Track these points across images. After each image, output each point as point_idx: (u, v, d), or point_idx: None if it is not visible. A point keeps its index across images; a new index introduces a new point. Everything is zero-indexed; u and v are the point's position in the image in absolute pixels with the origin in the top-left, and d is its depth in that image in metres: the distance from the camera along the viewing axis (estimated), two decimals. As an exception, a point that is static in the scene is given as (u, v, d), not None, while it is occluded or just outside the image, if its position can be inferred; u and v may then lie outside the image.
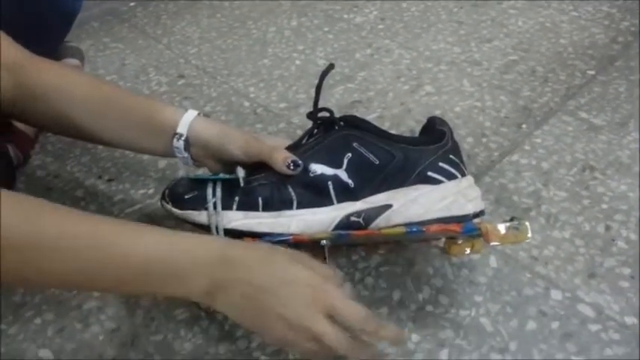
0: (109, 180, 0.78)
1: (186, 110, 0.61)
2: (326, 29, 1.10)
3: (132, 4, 1.22)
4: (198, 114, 0.61)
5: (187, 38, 1.10)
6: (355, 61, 1.00)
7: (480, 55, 1.00)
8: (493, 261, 0.64)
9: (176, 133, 0.60)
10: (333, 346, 0.46)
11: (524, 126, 0.84)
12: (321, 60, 1.01)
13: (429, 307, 0.60)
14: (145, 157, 0.81)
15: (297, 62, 1.01)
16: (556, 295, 0.61)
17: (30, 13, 0.73)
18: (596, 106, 0.87)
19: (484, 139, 0.82)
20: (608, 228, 0.68)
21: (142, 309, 0.61)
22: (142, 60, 1.03)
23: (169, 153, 0.61)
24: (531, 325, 0.58)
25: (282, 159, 0.56)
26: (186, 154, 0.60)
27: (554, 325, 0.58)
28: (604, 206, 0.71)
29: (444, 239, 0.62)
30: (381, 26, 1.10)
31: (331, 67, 0.59)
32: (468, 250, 0.59)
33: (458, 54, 1.01)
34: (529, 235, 0.53)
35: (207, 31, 1.11)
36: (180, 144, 0.60)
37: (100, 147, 0.83)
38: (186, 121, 0.60)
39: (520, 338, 0.57)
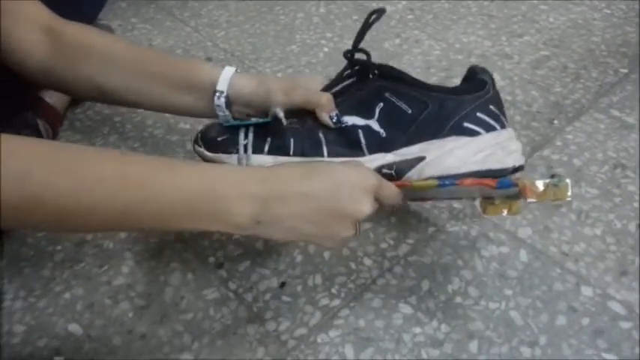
0: (138, 159, 0.78)
1: (223, 67, 0.60)
2: (355, 17, 1.09)
3: (160, -15, 1.22)
4: (236, 70, 0.60)
5: (215, 21, 1.09)
6: (384, 51, 0.99)
7: (510, 49, 0.99)
8: (523, 255, 0.64)
9: (216, 91, 0.59)
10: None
11: (555, 122, 0.83)
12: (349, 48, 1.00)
13: (458, 299, 0.60)
14: (174, 137, 0.81)
15: (325, 49, 1.00)
16: (586, 291, 0.60)
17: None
18: (628, 105, 0.86)
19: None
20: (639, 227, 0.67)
21: (171, 287, 0.61)
22: (170, 41, 1.03)
23: (210, 111, 0.60)
24: (561, 320, 0.58)
25: (327, 110, 0.56)
26: (227, 112, 0.60)
27: (585, 321, 0.57)
28: (635, 205, 0.70)
29: (478, 200, 0.59)
30: (410, 17, 1.09)
31: (382, 11, 0.56)
32: (505, 212, 0.55)
33: (488, 47, 1.00)
34: (569, 193, 0.49)
35: (235, 15, 1.11)
36: (222, 101, 0.59)
37: (129, 126, 0.84)
38: (226, 77, 0.59)
39: (550, 333, 0.56)
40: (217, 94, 0.59)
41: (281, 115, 0.56)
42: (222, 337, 0.57)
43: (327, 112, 0.56)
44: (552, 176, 0.50)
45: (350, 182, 0.47)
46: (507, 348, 0.55)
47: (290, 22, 1.09)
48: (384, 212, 0.60)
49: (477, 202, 0.56)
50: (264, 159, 0.56)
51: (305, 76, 0.60)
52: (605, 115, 0.84)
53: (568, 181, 0.49)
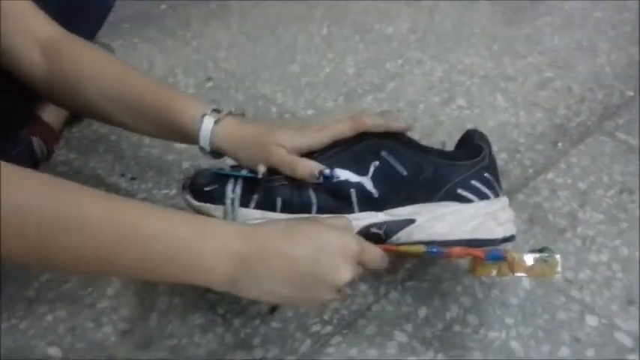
0: (132, 179, 0.76)
1: (202, 118, 0.57)
2: (357, 39, 1.08)
3: (163, 6, 1.22)
4: (216, 121, 0.57)
5: (216, 42, 1.09)
6: (385, 71, 0.98)
7: (514, 70, 0.98)
8: (526, 282, 0.61)
9: (201, 147, 0.58)
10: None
11: (560, 144, 0.81)
12: (350, 68, 1.00)
13: (457, 327, 0.57)
14: (170, 157, 0.80)
15: (327, 70, 0.99)
16: (591, 320, 0.57)
17: (65, 5, 0.72)
18: (634, 128, 0.84)
19: (518, 155, 0.79)
20: (647, 254, 0.64)
21: (157, 312, 0.59)
22: (171, 61, 1.03)
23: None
24: (564, 351, 0.55)
25: (308, 172, 0.54)
26: (217, 159, 0.60)
27: (589, 352, 0.54)
28: (644, 231, 0.67)
29: (469, 259, 0.58)
30: (412, 37, 1.08)
31: None
32: (494, 273, 0.54)
33: (491, 68, 0.98)
34: (559, 269, 0.48)
35: (237, 36, 1.11)
36: (208, 155, 0.59)
37: (125, 145, 0.82)
38: (205, 135, 0.57)
39: (553, 365, 0.54)
40: (202, 149, 0.58)
41: (263, 170, 0.55)
42: (208, 364, 0.54)
43: (309, 174, 0.54)
44: (542, 250, 0.49)
45: (331, 248, 0.46)
46: (507, 380, 0.52)
47: (291, 43, 1.08)
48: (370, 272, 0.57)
49: (468, 260, 0.55)
50: (252, 213, 0.55)
51: (282, 129, 0.57)
52: (610, 137, 0.82)
53: (558, 257, 0.49)
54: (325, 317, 0.58)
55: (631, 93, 0.92)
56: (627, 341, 0.55)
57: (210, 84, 0.96)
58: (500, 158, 0.78)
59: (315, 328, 0.57)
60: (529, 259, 0.49)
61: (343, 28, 1.12)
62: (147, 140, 0.82)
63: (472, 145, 0.57)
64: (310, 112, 0.89)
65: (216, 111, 0.58)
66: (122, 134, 0.84)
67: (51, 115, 0.79)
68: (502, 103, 0.90)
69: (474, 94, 0.92)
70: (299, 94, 0.93)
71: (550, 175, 0.75)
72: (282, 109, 0.90)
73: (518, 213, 0.69)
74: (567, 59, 1.01)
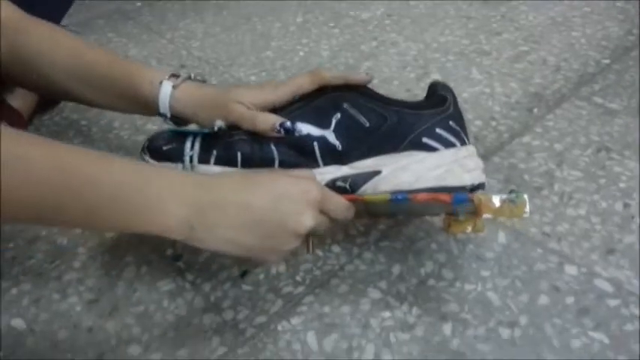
0: (101, 159, 0.75)
1: (160, 84, 0.57)
2: (331, 24, 1.08)
3: (138, 3, 1.22)
4: (174, 86, 0.57)
5: (191, 33, 1.08)
6: (360, 53, 0.98)
7: (489, 46, 0.97)
8: (502, 237, 0.60)
9: (160, 114, 0.58)
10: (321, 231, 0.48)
11: (535, 110, 0.80)
12: (325, 52, 0.99)
13: (432, 282, 0.55)
14: (140, 137, 0.78)
15: (301, 54, 0.99)
16: (571, 270, 0.56)
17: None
18: (611, 92, 0.83)
19: (493, 123, 0.78)
20: (626, 206, 0.63)
21: (123, 280, 0.57)
22: (145, 52, 1.02)
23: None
24: (544, 299, 0.53)
25: (269, 125, 0.53)
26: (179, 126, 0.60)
27: (569, 300, 0.53)
28: (622, 185, 0.66)
29: (443, 216, 0.57)
30: (387, 21, 1.08)
31: None
32: (469, 229, 0.52)
33: (466, 45, 0.98)
34: (527, 210, 0.47)
35: (212, 27, 1.10)
36: (170, 122, 0.59)
37: (95, 129, 0.81)
38: (164, 100, 0.57)
39: (531, 313, 0.52)
40: (162, 117, 0.58)
41: (218, 125, 0.54)
42: (175, 328, 0.52)
43: (271, 127, 0.53)
44: (510, 192, 0.48)
45: (290, 194, 0.45)
46: (484, 329, 0.51)
47: (267, 31, 1.08)
48: (340, 225, 0.58)
49: (442, 219, 0.54)
50: (212, 169, 0.54)
51: (241, 88, 0.56)
52: (587, 102, 0.81)
53: (526, 197, 0.47)
54: (298, 278, 0.56)
55: (607, 61, 0.91)
56: (608, 287, 0.54)
57: (183, 71, 0.95)
58: (475, 125, 0.77)
59: (287, 289, 0.55)
60: (496, 200, 0.47)
61: (319, 15, 1.12)
62: (117, 123, 0.81)
63: (436, 95, 0.56)
64: (284, 91, 0.88)
65: (175, 76, 0.58)
66: (92, 119, 0.83)
67: (19, 100, 0.78)
68: (477, 76, 0.89)
69: (449, 69, 0.91)
70: (273, 77, 0.92)
71: (526, 139, 0.74)
72: (256, 91, 0.89)
73: (494, 175, 0.68)
74: (542, 34, 1.00)
